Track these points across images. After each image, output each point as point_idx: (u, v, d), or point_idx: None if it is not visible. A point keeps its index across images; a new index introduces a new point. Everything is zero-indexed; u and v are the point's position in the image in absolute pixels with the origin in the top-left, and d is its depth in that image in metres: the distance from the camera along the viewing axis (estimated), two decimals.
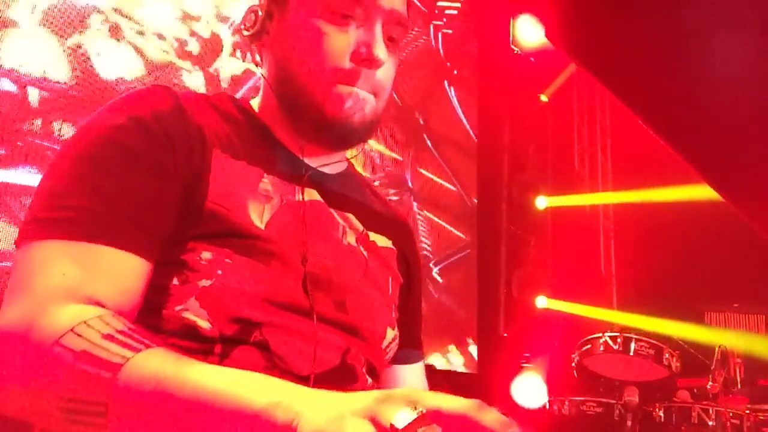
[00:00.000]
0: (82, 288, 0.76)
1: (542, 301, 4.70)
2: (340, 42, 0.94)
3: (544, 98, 5.06)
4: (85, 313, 0.72)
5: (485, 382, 4.03)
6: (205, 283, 0.84)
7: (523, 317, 4.55)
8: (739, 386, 3.33)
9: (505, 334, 4.46)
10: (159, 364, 0.66)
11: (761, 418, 3.06)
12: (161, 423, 0.62)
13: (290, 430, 0.54)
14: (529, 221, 4.83)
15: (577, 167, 5.40)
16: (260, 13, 0.99)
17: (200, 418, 0.60)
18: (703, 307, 3.81)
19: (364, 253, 1.04)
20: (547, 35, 4.59)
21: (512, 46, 4.91)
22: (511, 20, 4.92)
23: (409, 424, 0.43)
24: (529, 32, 4.89)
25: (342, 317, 0.95)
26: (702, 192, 3.99)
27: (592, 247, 5.33)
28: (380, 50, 0.94)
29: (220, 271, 0.84)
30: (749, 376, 3.37)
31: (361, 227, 1.06)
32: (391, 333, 1.05)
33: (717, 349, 3.40)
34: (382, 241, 1.10)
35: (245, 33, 1.00)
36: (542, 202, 4.93)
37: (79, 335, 0.69)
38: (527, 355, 4.31)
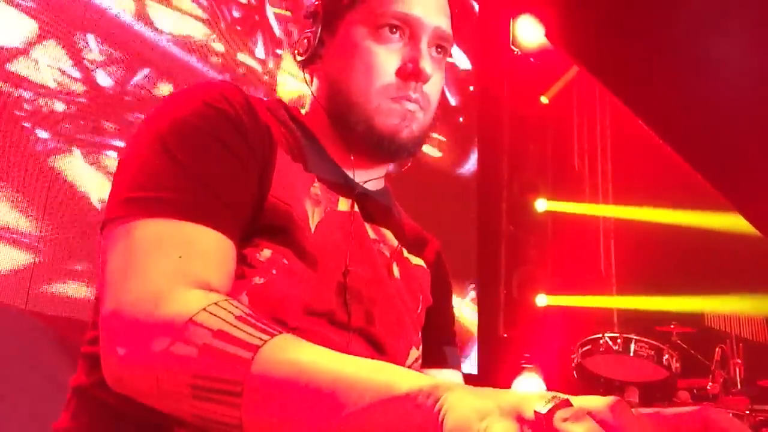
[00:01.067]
0: (199, 271, 0.77)
1: (542, 299, 4.69)
2: (388, 59, 0.98)
3: (544, 100, 5.06)
4: (212, 296, 0.72)
5: (485, 383, 4.02)
6: (258, 280, 0.84)
7: (523, 317, 4.55)
8: (739, 386, 3.33)
9: (505, 335, 4.46)
10: (296, 350, 0.65)
11: (761, 418, 3.06)
12: (298, 407, 0.61)
13: (434, 416, 0.52)
14: (528, 221, 4.83)
15: (577, 167, 5.40)
16: (313, 40, 1.02)
17: (340, 403, 0.58)
18: None
19: (397, 269, 1.06)
20: (547, 35, 4.60)
21: (512, 47, 4.91)
22: (511, 20, 4.92)
23: (551, 408, 0.46)
24: (529, 32, 4.89)
25: (371, 329, 0.95)
26: (701, 219, 4.00)
27: (591, 246, 5.33)
28: (426, 64, 0.97)
29: (275, 271, 0.85)
30: (749, 376, 3.37)
31: (396, 243, 1.08)
32: (415, 353, 1.05)
33: (717, 349, 3.40)
34: (415, 260, 1.12)
35: (298, 58, 1.04)
36: (542, 205, 4.92)
37: (214, 314, 0.68)
38: (527, 355, 4.31)
